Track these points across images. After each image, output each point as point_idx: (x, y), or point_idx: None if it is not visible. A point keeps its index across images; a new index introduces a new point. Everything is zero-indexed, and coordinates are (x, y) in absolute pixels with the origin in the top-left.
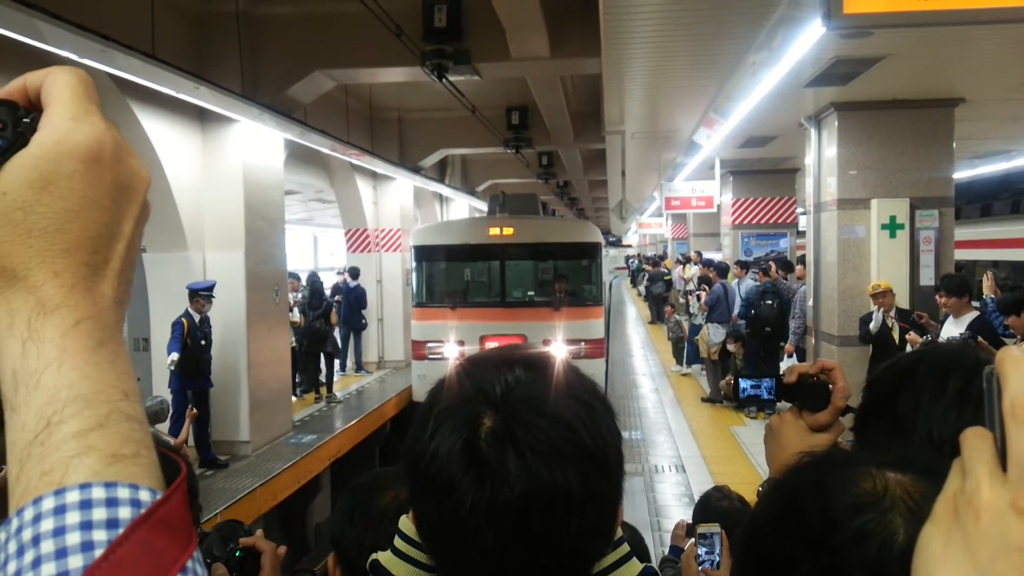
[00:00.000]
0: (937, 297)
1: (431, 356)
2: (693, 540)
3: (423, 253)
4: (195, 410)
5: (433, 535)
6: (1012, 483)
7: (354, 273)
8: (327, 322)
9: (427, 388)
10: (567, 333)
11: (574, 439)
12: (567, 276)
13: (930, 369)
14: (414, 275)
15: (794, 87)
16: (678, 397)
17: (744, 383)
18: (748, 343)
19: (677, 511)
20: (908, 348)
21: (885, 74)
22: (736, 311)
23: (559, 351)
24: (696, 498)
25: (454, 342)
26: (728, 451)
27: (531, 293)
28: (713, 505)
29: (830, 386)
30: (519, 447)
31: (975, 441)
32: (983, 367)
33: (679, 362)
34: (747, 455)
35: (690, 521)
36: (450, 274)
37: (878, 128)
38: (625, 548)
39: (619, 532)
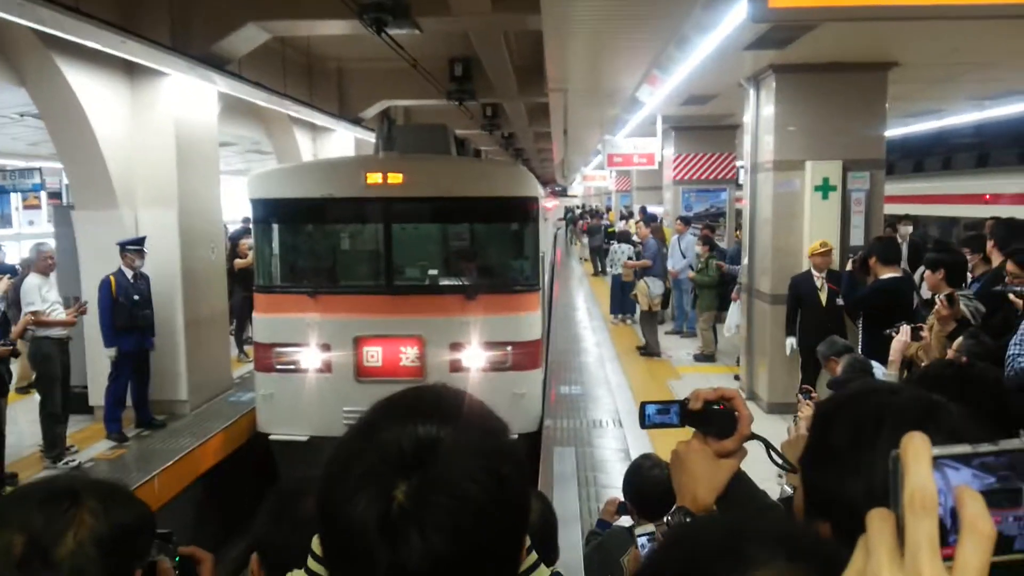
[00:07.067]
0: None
1: (281, 366)
2: (634, 546)
3: (267, 210)
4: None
5: None
6: (907, 570)
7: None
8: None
9: (277, 414)
10: (486, 333)
11: (481, 508)
12: (488, 247)
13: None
14: (255, 244)
15: (734, 49)
16: (618, 351)
17: (650, 408)
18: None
19: (613, 466)
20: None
21: (822, 38)
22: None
23: (475, 360)
24: (632, 453)
25: (316, 346)
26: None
27: (432, 273)
28: (645, 475)
29: (735, 413)
30: (423, 526)
31: (879, 523)
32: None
33: (612, 312)
34: None
35: (622, 496)
36: (309, 244)
37: (814, 90)
38: (533, 557)
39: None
